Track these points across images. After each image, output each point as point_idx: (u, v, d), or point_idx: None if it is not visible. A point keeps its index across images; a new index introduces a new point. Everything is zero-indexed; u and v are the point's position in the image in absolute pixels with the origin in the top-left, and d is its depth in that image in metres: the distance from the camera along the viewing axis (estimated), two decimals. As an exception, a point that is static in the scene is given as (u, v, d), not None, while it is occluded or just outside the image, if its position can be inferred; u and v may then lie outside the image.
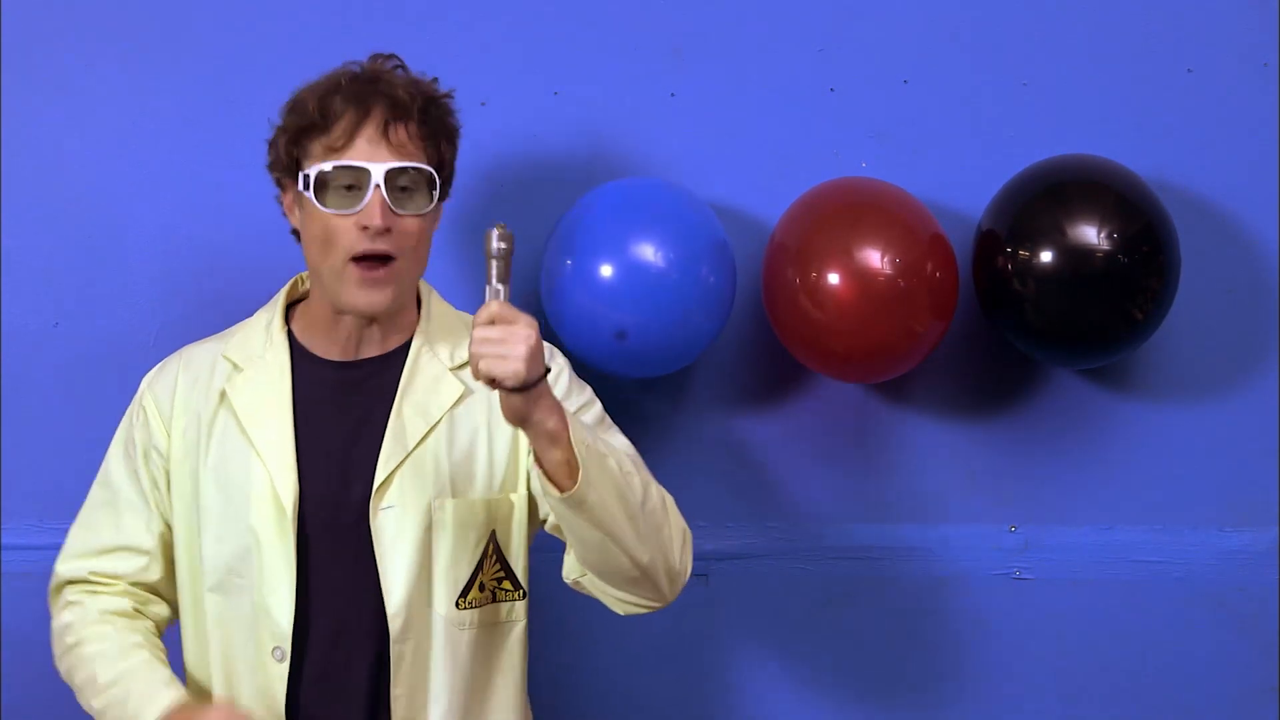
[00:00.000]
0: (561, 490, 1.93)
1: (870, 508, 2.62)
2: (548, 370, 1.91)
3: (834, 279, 2.36)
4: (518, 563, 2.12)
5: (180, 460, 2.10)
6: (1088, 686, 2.64)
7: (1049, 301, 2.39)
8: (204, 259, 2.52)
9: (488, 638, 2.10)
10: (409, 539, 2.04)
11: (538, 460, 1.94)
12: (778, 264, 2.43)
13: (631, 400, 2.56)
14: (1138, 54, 2.59)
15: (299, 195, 2.05)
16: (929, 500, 2.62)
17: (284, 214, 2.11)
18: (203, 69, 2.51)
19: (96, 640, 2.09)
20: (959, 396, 2.62)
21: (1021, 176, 2.47)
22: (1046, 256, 2.38)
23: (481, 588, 2.09)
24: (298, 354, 2.11)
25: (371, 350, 2.11)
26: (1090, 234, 2.37)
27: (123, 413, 2.18)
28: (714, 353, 2.56)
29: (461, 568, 2.07)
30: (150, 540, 2.13)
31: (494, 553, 2.10)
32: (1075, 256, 2.37)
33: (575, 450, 1.91)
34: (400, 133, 2.02)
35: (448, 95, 2.10)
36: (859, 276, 2.35)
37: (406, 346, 2.12)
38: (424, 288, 2.16)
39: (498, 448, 2.10)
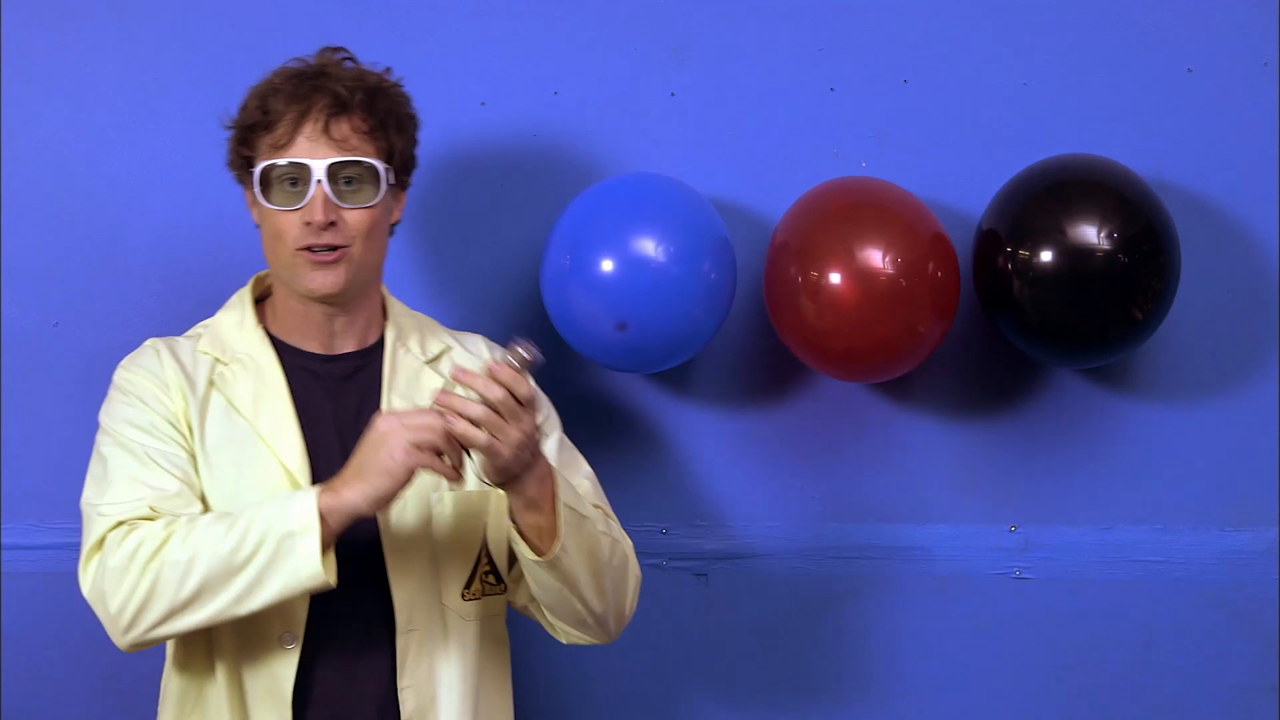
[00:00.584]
0: (537, 553, 1.96)
1: (870, 507, 2.62)
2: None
3: (835, 278, 2.36)
4: (500, 558, 2.13)
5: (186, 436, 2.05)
6: (1088, 686, 2.64)
7: (1049, 301, 2.39)
8: (204, 259, 2.52)
9: (487, 630, 2.11)
10: (413, 528, 2.05)
11: (512, 518, 1.97)
12: (779, 263, 2.42)
13: (631, 395, 2.56)
14: (1138, 54, 2.59)
15: (251, 193, 2.07)
16: (929, 500, 2.62)
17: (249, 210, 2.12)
18: (203, 69, 2.51)
19: (193, 522, 1.91)
20: (959, 396, 2.62)
21: (1022, 176, 2.47)
22: (1047, 256, 2.38)
23: (479, 580, 2.10)
24: (279, 347, 2.11)
25: (349, 345, 2.12)
26: (1091, 234, 2.37)
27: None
28: (715, 353, 2.56)
29: (463, 559, 2.08)
30: (197, 484, 2.02)
31: (484, 546, 2.11)
32: (1076, 256, 2.37)
33: (558, 518, 1.94)
34: (343, 127, 2.03)
35: (396, 84, 2.11)
36: (861, 276, 2.35)
37: (380, 344, 2.13)
38: (381, 289, 2.18)
39: None
